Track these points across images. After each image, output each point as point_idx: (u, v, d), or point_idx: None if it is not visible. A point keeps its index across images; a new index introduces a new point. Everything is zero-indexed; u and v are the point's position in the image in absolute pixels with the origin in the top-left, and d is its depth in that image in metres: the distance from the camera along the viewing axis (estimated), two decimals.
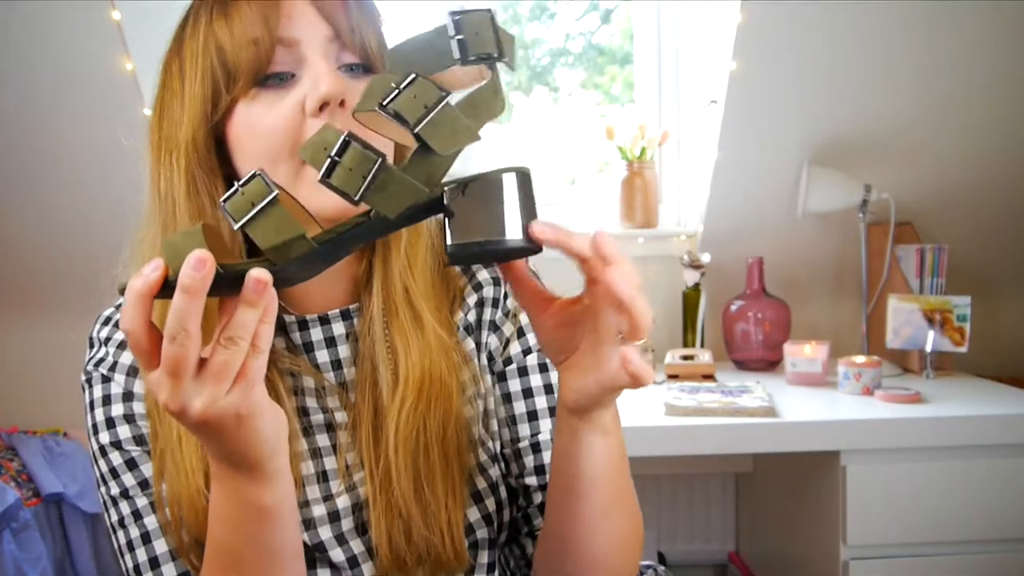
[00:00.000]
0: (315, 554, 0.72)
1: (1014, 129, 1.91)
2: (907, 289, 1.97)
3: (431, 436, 0.71)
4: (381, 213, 0.53)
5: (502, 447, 0.79)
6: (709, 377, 1.84)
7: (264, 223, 0.52)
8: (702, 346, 2.01)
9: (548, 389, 0.80)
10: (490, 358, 0.79)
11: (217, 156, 0.68)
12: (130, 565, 0.71)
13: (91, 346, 0.78)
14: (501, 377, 0.80)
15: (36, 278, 2.08)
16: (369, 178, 0.51)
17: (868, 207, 1.95)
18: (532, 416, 0.79)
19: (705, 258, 2.01)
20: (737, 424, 1.48)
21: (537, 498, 0.79)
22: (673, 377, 1.86)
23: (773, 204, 2.00)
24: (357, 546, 0.73)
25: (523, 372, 0.79)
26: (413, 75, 0.52)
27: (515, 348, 0.80)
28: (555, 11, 2.39)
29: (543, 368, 0.80)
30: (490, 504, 0.76)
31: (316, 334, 0.74)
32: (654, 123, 2.16)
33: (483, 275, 0.80)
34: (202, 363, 0.51)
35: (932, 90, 1.83)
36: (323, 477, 0.73)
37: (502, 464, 0.79)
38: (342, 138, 0.52)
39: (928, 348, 1.87)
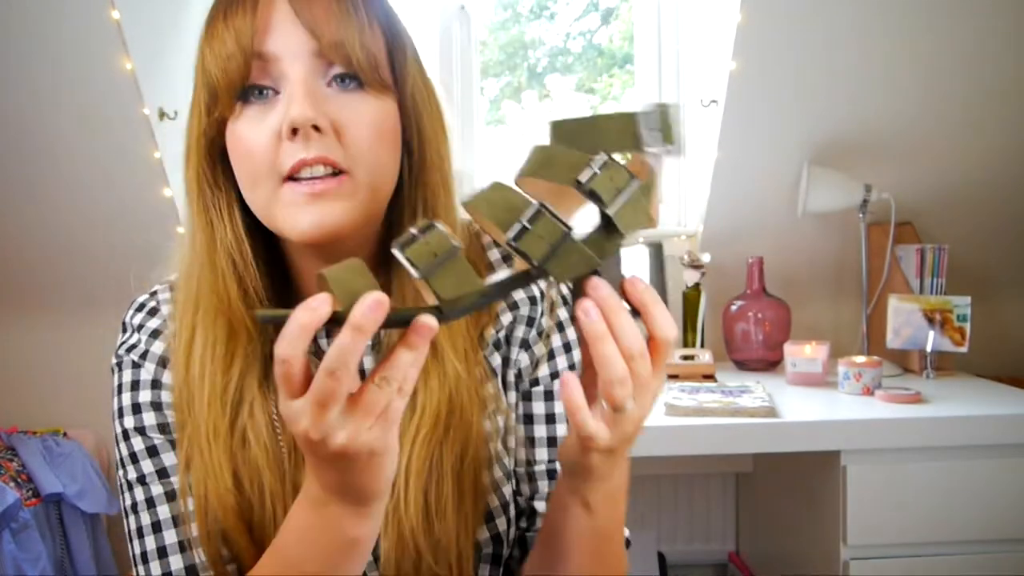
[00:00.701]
0: None
1: (1014, 129, 1.91)
2: (907, 289, 1.97)
3: (446, 468, 0.69)
4: (551, 276, 0.54)
5: (516, 464, 0.78)
6: (709, 377, 1.84)
7: (446, 275, 0.51)
8: (702, 346, 2.01)
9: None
10: (518, 376, 0.78)
11: (227, 171, 0.68)
12: (138, 551, 0.71)
13: (124, 330, 0.77)
14: (526, 396, 0.78)
15: (36, 278, 2.08)
16: (555, 247, 0.53)
17: (868, 207, 1.95)
18: (552, 442, 0.78)
19: (705, 258, 2.01)
20: (737, 424, 1.48)
21: (540, 524, 0.78)
22: (673, 377, 1.85)
23: (773, 204, 2.00)
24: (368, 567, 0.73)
25: (548, 396, 0.78)
26: (605, 157, 0.53)
27: (543, 371, 0.78)
28: (555, 11, 2.39)
29: None
30: (501, 524, 0.76)
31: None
32: None
33: (519, 294, 0.78)
34: (348, 398, 0.51)
35: (932, 90, 1.83)
36: None
37: (514, 482, 0.78)
38: (535, 208, 0.53)
39: (928, 348, 1.87)
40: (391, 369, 0.50)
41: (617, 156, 0.55)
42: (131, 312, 0.78)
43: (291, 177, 0.63)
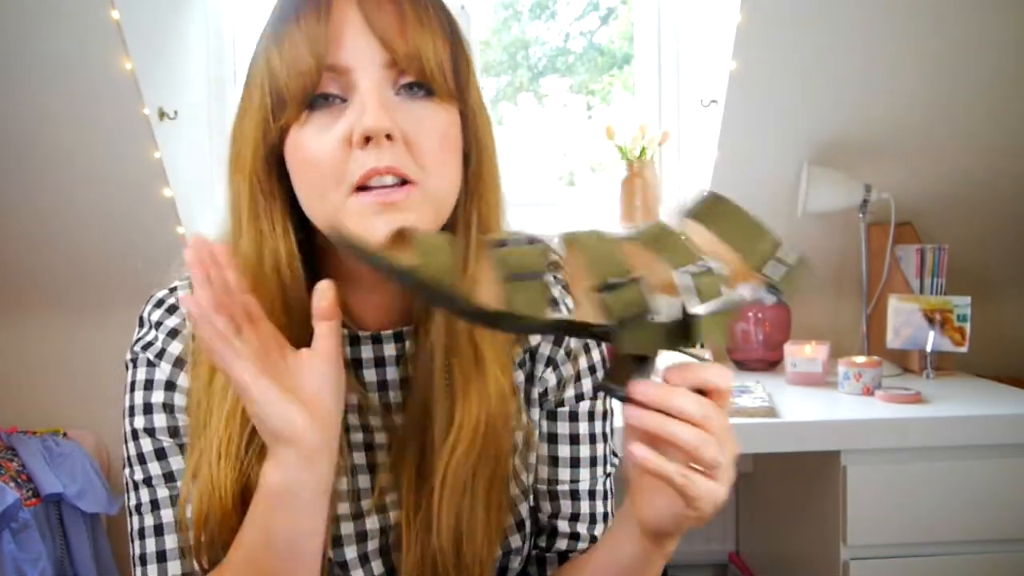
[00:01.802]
0: (335, 572, 0.71)
1: (1014, 129, 1.91)
2: (907, 289, 1.97)
3: (478, 487, 0.69)
4: (613, 340, 0.56)
5: (536, 482, 0.79)
6: None
7: (522, 290, 0.54)
8: (702, 346, 2.01)
9: (593, 439, 0.79)
10: (543, 394, 0.78)
11: (281, 180, 0.67)
12: (138, 552, 0.71)
13: (140, 326, 0.75)
14: (551, 416, 0.78)
15: (36, 278, 2.08)
16: (633, 318, 0.54)
17: (868, 207, 1.95)
18: (575, 463, 0.78)
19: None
20: (737, 424, 1.48)
21: (561, 544, 0.79)
22: None
23: (773, 204, 2.00)
24: (378, 567, 0.73)
25: (573, 417, 0.78)
26: (721, 265, 0.56)
27: (570, 392, 0.78)
28: (555, 11, 2.39)
29: (592, 416, 0.79)
30: (515, 540, 0.76)
31: (367, 352, 0.73)
32: (654, 123, 2.16)
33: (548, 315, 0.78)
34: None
35: (933, 90, 1.83)
36: (355, 496, 0.72)
37: (531, 498, 0.79)
38: (632, 276, 0.55)
39: (928, 348, 1.87)
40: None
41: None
42: (149, 307, 0.76)
43: (359, 187, 0.62)
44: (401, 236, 0.54)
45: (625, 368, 0.58)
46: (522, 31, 2.39)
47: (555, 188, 2.31)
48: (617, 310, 0.54)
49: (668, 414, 0.55)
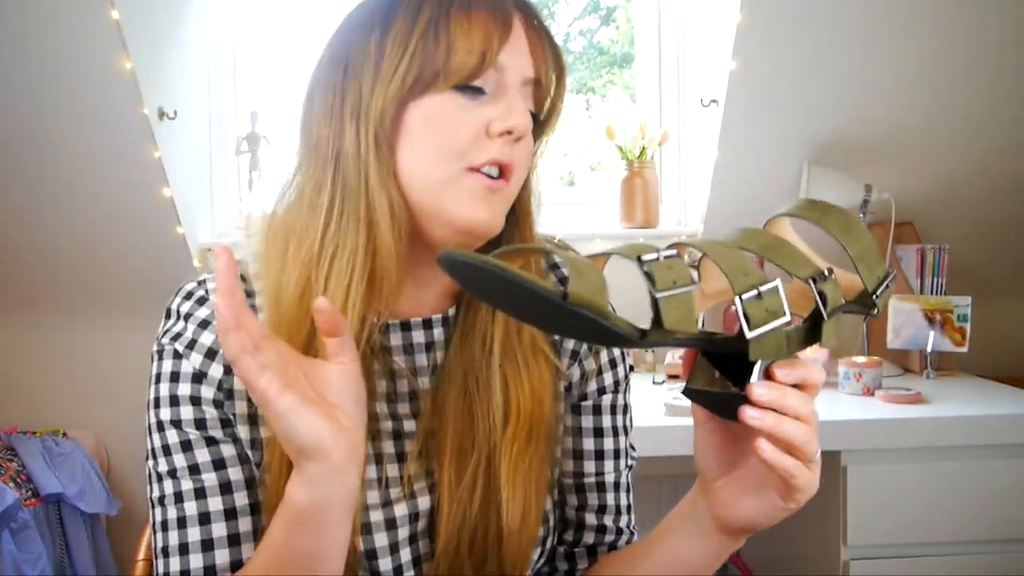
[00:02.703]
0: (361, 562, 0.72)
1: (1014, 129, 1.91)
2: (907, 289, 1.97)
3: (530, 470, 0.72)
4: (750, 350, 0.57)
5: (562, 475, 0.81)
6: None
7: (677, 306, 0.54)
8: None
9: (616, 432, 0.82)
10: (568, 388, 0.80)
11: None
12: (159, 545, 0.70)
13: (168, 317, 0.75)
14: (575, 410, 0.81)
15: (36, 278, 2.08)
16: (770, 330, 0.57)
17: (868, 207, 1.95)
18: (600, 455, 0.81)
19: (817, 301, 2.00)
20: None
21: (589, 538, 0.81)
22: (673, 377, 1.85)
23: (773, 204, 1.99)
24: (405, 555, 0.73)
25: (597, 411, 0.81)
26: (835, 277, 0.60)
27: (592, 386, 0.81)
28: (555, 10, 2.39)
29: (614, 410, 0.82)
30: (540, 531, 0.77)
31: (396, 339, 0.74)
32: (654, 123, 2.16)
33: None
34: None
35: (933, 90, 1.83)
36: (384, 483, 0.73)
37: (555, 492, 0.80)
38: (774, 284, 0.57)
39: (928, 348, 1.87)
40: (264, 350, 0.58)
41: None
42: (178, 299, 0.75)
43: (471, 169, 0.67)
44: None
45: (707, 372, 0.61)
46: None
47: (555, 188, 2.31)
48: (759, 318, 0.56)
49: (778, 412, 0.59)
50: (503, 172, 0.68)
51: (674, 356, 1.88)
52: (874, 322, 2.03)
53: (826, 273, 0.58)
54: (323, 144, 0.69)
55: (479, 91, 0.68)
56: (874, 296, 0.60)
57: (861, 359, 1.72)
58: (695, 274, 0.56)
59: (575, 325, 0.53)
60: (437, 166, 0.67)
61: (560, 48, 0.73)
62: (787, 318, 0.56)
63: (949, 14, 1.70)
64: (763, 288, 0.56)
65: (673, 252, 0.55)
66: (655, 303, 0.53)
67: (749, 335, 0.56)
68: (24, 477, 1.83)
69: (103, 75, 1.68)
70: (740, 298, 0.56)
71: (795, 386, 0.60)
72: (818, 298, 0.57)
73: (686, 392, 0.63)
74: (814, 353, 1.79)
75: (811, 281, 0.57)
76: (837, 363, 1.75)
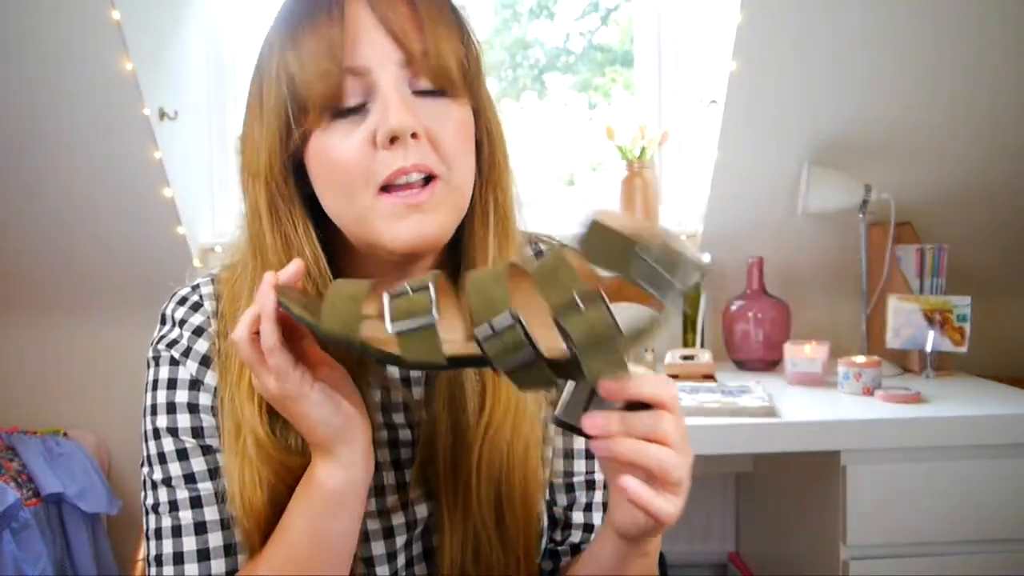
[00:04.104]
0: (360, 569, 0.72)
1: (1014, 129, 1.91)
2: (907, 289, 1.97)
3: (515, 460, 0.71)
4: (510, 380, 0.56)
5: (552, 475, 0.80)
6: (709, 377, 1.84)
7: (416, 341, 0.54)
8: (702, 346, 2.01)
9: None
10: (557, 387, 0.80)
11: (297, 182, 0.67)
12: (153, 553, 0.70)
13: (163, 323, 0.74)
14: None
15: (36, 279, 2.08)
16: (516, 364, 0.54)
17: (868, 207, 1.95)
18: (589, 454, 0.80)
19: (705, 258, 2.01)
20: (737, 424, 1.48)
21: (575, 537, 0.81)
22: (673, 377, 1.85)
23: (773, 204, 2.00)
24: (401, 559, 0.73)
25: None
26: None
27: None
28: (555, 11, 2.39)
29: None
30: (540, 529, 0.77)
31: None
32: (654, 123, 2.16)
33: None
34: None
35: (932, 90, 1.83)
36: (380, 492, 0.73)
37: (547, 492, 0.80)
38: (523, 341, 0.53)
39: (928, 348, 1.87)
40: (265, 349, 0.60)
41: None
42: (172, 305, 0.75)
43: (385, 187, 0.64)
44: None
45: (578, 399, 0.59)
46: (523, 31, 2.40)
47: (555, 188, 2.31)
48: (497, 352, 0.53)
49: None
50: (427, 174, 0.64)
51: (674, 356, 1.89)
52: (874, 322, 2.03)
53: (579, 303, 0.51)
54: (242, 205, 0.70)
55: (358, 109, 0.64)
56: (644, 283, 0.52)
57: (860, 359, 1.72)
58: (431, 319, 0.54)
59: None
60: (348, 203, 0.65)
61: (434, 4, 0.66)
62: (529, 352, 0.52)
63: (949, 14, 1.70)
64: (496, 323, 0.52)
65: (425, 284, 0.55)
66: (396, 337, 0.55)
67: (499, 369, 0.54)
68: (25, 477, 1.83)
69: (103, 75, 1.68)
70: (477, 339, 0.53)
71: (645, 406, 0.57)
72: (561, 337, 0.52)
73: (556, 423, 0.61)
74: (813, 352, 1.79)
75: (555, 320, 0.52)
76: (836, 363, 1.75)
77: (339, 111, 0.64)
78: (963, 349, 1.86)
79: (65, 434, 2.07)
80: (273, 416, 0.66)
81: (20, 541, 1.69)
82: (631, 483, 0.56)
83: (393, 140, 0.63)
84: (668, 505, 0.57)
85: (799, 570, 1.76)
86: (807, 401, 1.64)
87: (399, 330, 0.54)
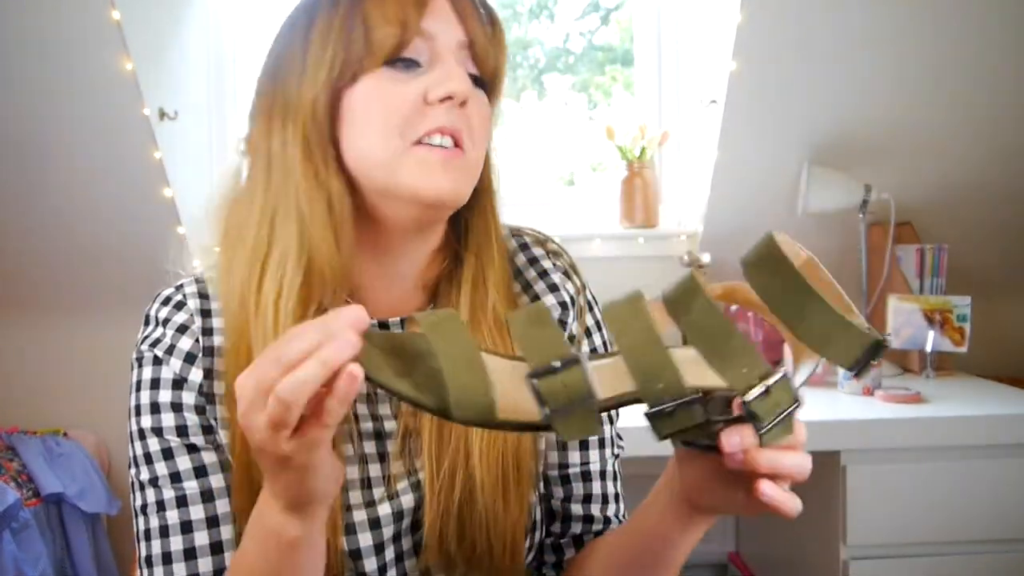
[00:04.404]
0: (346, 562, 0.72)
1: (1014, 129, 1.91)
2: (907, 289, 1.97)
3: (509, 446, 0.72)
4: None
5: (548, 467, 0.81)
6: None
7: (574, 420, 0.50)
8: None
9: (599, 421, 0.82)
10: None
11: (328, 125, 0.70)
12: (143, 554, 0.70)
13: (146, 323, 0.75)
14: None
15: (36, 278, 2.08)
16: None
17: (868, 207, 1.95)
18: (584, 445, 0.81)
19: (705, 258, 2.01)
20: None
21: (576, 528, 0.81)
22: None
23: (773, 204, 2.00)
24: (390, 554, 0.73)
25: None
26: (783, 374, 0.52)
27: None
28: (555, 11, 2.39)
29: None
30: (526, 521, 0.77)
31: None
32: (654, 123, 2.16)
33: (550, 300, 0.81)
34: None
35: (933, 90, 1.83)
36: (366, 484, 0.73)
37: (541, 485, 0.80)
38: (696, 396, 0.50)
39: (928, 348, 1.87)
40: (326, 414, 0.51)
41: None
42: (156, 305, 0.75)
43: (417, 143, 0.67)
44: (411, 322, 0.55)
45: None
46: (523, 31, 2.40)
47: (555, 188, 2.31)
48: (666, 429, 0.51)
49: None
50: (456, 141, 0.68)
51: None
52: (874, 322, 2.03)
53: (768, 382, 0.50)
54: (258, 147, 0.71)
55: (412, 64, 0.68)
56: (855, 373, 0.52)
57: None
58: (594, 384, 0.50)
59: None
60: (382, 144, 0.67)
61: (492, 10, 0.73)
62: (702, 422, 0.50)
63: (949, 14, 1.70)
64: (677, 402, 0.49)
65: (574, 357, 0.50)
66: (549, 421, 0.50)
67: (664, 437, 0.52)
68: (25, 477, 1.83)
69: (103, 75, 1.68)
70: (648, 414, 0.50)
71: None
72: (749, 418, 0.51)
73: (684, 444, 0.60)
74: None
75: (743, 399, 0.50)
76: None
77: (394, 62, 0.68)
78: (963, 349, 1.86)
79: (65, 434, 2.07)
80: None
81: (20, 541, 1.69)
82: (768, 489, 0.57)
83: (443, 100, 0.67)
84: (795, 500, 0.60)
85: (799, 570, 1.76)
86: (807, 401, 1.64)
87: (555, 411, 0.49)
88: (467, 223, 0.76)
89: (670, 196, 2.20)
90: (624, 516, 0.84)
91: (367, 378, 0.50)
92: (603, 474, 0.82)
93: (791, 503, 0.59)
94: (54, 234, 1.97)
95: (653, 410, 0.50)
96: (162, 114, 1.82)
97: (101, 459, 2.09)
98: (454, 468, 0.71)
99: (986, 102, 1.86)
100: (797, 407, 0.51)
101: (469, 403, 0.49)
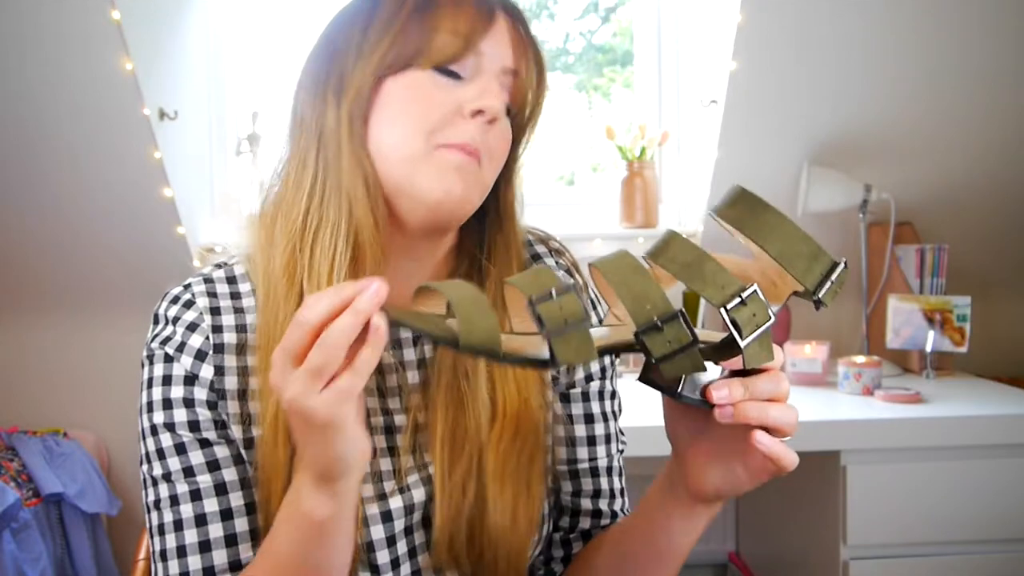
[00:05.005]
0: (359, 555, 0.72)
1: (1015, 130, 1.91)
2: (907, 289, 1.97)
3: (521, 463, 0.73)
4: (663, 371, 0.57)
5: (556, 463, 0.81)
6: None
7: (571, 343, 0.55)
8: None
9: (605, 417, 0.83)
10: (555, 377, 0.81)
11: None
12: (157, 549, 0.70)
13: (156, 322, 0.75)
14: (564, 398, 0.82)
15: (36, 278, 2.08)
16: (678, 352, 0.56)
17: (868, 207, 1.95)
18: (592, 441, 0.82)
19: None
20: None
21: (584, 523, 0.82)
22: None
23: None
24: (402, 547, 0.74)
25: (585, 397, 0.82)
26: (755, 289, 0.57)
27: (579, 374, 0.82)
28: (555, 11, 2.39)
29: (602, 396, 0.83)
30: (536, 528, 0.78)
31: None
32: (654, 123, 2.16)
33: None
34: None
35: (933, 90, 1.83)
36: (378, 477, 0.73)
37: (549, 479, 0.80)
38: (673, 313, 0.55)
39: (928, 348, 1.87)
40: (359, 362, 0.55)
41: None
42: (165, 304, 0.76)
43: (443, 145, 0.69)
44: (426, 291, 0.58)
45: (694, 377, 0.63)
46: None
47: (555, 188, 2.31)
48: (661, 349, 0.56)
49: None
50: (477, 157, 0.70)
51: None
52: (874, 322, 2.03)
53: (743, 295, 0.56)
54: (308, 123, 0.72)
55: (457, 76, 0.70)
56: (816, 296, 0.58)
57: (860, 359, 1.72)
58: (590, 307, 0.58)
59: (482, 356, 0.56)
60: (408, 140, 0.69)
61: (542, 53, 0.75)
62: (690, 340, 0.55)
63: (949, 14, 1.70)
64: (664, 319, 0.55)
65: (569, 285, 0.55)
66: (548, 343, 0.54)
67: (658, 362, 0.56)
68: (25, 477, 1.83)
69: (103, 75, 1.68)
70: (638, 335, 0.55)
71: (759, 371, 0.61)
72: (730, 326, 0.56)
73: (645, 381, 0.64)
74: (814, 352, 1.80)
75: (723, 309, 0.55)
76: (837, 363, 1.75)
77: (443, 69, 0.70)
78: (963, 349, 1.86)
79: (65, 434, 2.07)
80: None
81: (20, 541, 1.69)
82: (764, 438, 0.60)
83: (475, 115, 0.69)
84: (792, 453, 0.62)
85: (799, 570, 1.76)
86: (807, 401, 1.64)
87: (553, 331, 0.54)
88: (490, 243, 0.78)
89: (670, 196, 2.20)
90: (628, 510, 0.85)
91: (390, 323, 0.55)
92: (610, 470, 0.83)
93: (788, 455, 0.62)
94: (54, 234, 1.97)
95: (644, 326, 0.55)
96: (162, 114, 1.82)
97: (101, 459, 2.09)
98: (468, 471, 0.72)
99: (986, 102, 1.86)
100: (772, 323, 0.57)
101: (476, 330, 0.54)
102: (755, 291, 0.56)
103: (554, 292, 0.54)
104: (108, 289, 2.06)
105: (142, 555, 1.05)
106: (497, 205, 0.77)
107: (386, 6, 0.71)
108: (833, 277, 0.58)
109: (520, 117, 0.75)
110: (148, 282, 2.06)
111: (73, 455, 1.97)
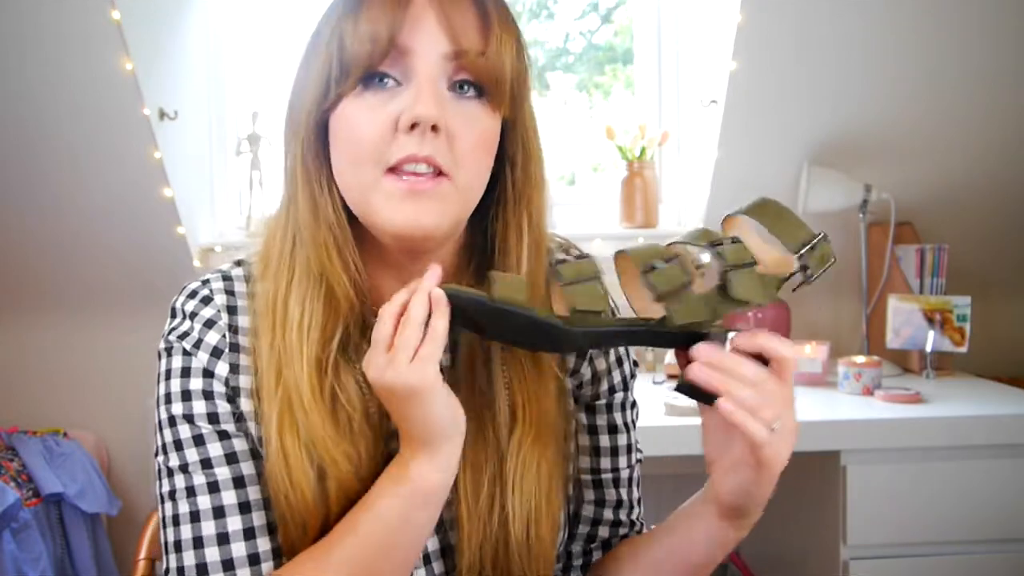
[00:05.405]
0: None
1: (1015, 129, 1.91)
2: (907, 289, 1.97)
3: (542, 473, 0.73)
4: (669, 316, 0.66)
5: (579, 472, 0.82)
6: None
7: (584, 290, 0.65)
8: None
9: (627, 427, 0.84)
10: (578, 387, 0.81)
11: (323, 146, 0.70)
12: (171, 539, 0.69)
13: (173, 316, 0.75)
14: (588, 408, 0.82)
15: (36, 278, 2.08)
16: (678, 291, 0.66)
17: (868, 207, 1.95)
18: (615, 452, 0.82)
19: (704, 258, 2.01)
20: None
21: (604, 532, 0.83)
22: (673, 377, 1.85)
23: None
24: (439, 567, 0.74)
25: (609, 408, 0.82)
26: (822, 235, 0.67)
27: (604, 385, 0.82)
28: (555, 11, 2.39)
29: (623, 407, 0.84)
30: (560, 535, 0.78)
31: None
32: (654, 123, 2.16)
33: None
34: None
35: (933, 90, 1.83)
36: None
37: (570, 487, 0.81)
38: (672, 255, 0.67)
39: (928, 348, 1.87)
40: (432, 331, 0.62)
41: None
42: (182, 298, 0.75)
43: (392, 170, 0.66)
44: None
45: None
46: (524, 31, 2.39)
47: (555, 188, 2.31)
48: (661, 285, 0.64)
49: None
50: (437, 168, 0.65)
51: (674, 355, 1.88)
52: (874, 322, 2.03)
53: (727, 241, 0.68)
54: (283, 167, 0.72)
55: (385, 79, 0.66)
56: (799, 255, 0.65)
57: (860, 359, 1.72)
58: (598, 273, 0.67)
59: (520, 329, 0.64)
60: (355, 173, 0.67)
61: (503, 8, 0.69)
62: (688, 282, 0.65)
63: (949, 14, 1.70)
64: (660, 263, 0.65)
65: (588, 254, 0.66)
66: (566, 286, 0.66)
67: (659, 294, 0.65)
68: (25, 477, 1.83)
69: (103, 75, 1.69)
70: (645, 272, 0.65)
71: (759, 359, 0.64)
72: (715, 262, 0.65)
73: (678, 388, 0.67)
74: (814, 352, 1.80)
75: (702, 250, 0.66)
76: (837, 363, 1.75)
77: (372, 80, 0.66)
78: (963, 349, 1.86)
79: (65, 434, 2.07)
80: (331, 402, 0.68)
81: (20, 541, 1.69)
82: (725, 404, 0.62)
83: (413, 127, 0.64)
84: (762, 430, 0.62)
85: (799, 570, 1.76)
86: (807, 401, 1.64)
87: (569, 283, 0.66)
88: (498, 238, 0.73)
89: (670, 196, 2.20)
90: (643, 520, 0.86)
91: (448, 299, 0.63)
92: (630, 480, 0.84)
93: (749, 423, 0.62)
94: (54, 233, 1.97)
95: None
96: (162, 114, 1.82)
97: (101, 459, 2.09)
98: (492, 487, 0.72)
99: (986, 102, 1.86)
100: (834, 262, 0.67)
101: (509, 289, 0.63)
102: (824, 236, 0.66)
103: (575, 255, 0.62)
104: (108, 289, 2.06)
105: (142, 555, 1.05)
106: (505, 191, 0.73)
107: (314, 33, 0.70)
108: (815, 242, 0.65)
109: (501, 86, 0.68)
110: (148, 282, 2.07)
111: (73, 455, 1.97)
